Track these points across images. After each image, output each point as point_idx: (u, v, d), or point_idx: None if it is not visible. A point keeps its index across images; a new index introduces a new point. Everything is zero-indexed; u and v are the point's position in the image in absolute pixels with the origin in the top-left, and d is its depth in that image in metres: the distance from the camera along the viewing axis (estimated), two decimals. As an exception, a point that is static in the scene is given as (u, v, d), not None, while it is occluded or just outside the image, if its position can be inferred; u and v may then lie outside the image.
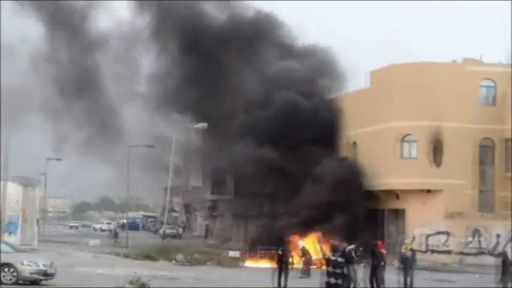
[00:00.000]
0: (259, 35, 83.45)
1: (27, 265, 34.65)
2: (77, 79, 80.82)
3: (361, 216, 64.11)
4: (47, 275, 35.06)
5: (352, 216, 62.91)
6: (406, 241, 45.44)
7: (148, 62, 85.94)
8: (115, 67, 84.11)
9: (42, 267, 34.83)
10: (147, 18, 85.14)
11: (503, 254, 37.09)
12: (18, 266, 34.28)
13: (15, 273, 33.97)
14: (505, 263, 34.93)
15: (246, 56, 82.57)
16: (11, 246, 40.04)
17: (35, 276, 34.38)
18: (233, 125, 70.88)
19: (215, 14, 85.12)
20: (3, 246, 37.33)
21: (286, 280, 36.58)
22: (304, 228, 57.26)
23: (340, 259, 24.60)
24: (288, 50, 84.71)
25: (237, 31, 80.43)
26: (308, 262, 47.60)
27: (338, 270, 24.18)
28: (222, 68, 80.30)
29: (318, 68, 78.80)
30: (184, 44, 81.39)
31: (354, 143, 70.44)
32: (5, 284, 33.32)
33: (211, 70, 79.24)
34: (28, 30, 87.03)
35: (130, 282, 14.33)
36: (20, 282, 33.84)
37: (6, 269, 34.13)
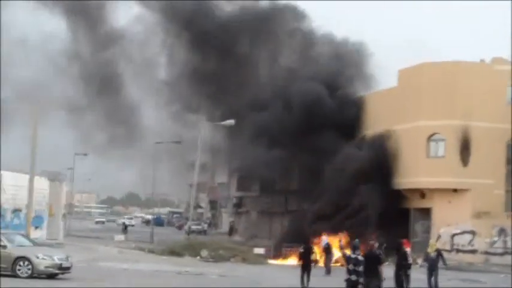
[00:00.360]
0: (275, 24, 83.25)
1: (42, 259, 34.98)
2: (98, 77, 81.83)
3: (390, 214, 63.61)
4: (62, 268, 35.52)
5: (379, 214, 63.07)
6: (431, 241, 45.28)
7: (163, 60, 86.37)
8: (132, 65, 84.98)
9: (57, 261, 35.29)
10: (157, 15, 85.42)
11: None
12: (34, 260, 34.67)
13: (30, 267, 34.44)
14: None
15: (262, 47, 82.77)
16: (29, 239, 40.37)
17: (50, 269, 34.81)
18: (255, 121, 70.39)
19: (226, 5, 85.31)
20: (20, 240, 38.06)
21: (308, 278, 36.51)
22: (328, 225, 57.34)
23: (360, 257, 26.00)
24: (310, 41, 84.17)
25: (250, 21, 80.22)
26: (330, 259, 47.32)
27: (359, 268, 24.50)
28: (237, 62, 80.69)
29: (345, 61, 78.97)
30: (197, 38, 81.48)
31: None
32: (20, 277, 33.88)
33: (226, 64, 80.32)
34: (49, 27, 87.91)
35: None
36: (36, 276, 34.17)
37: (21, 263, 34.67)
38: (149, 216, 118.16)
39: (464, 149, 63.85)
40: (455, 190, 63.55)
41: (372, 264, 28.09)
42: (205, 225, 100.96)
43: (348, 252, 28.33)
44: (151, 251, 60.61)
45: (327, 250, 46.57)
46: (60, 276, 35.49)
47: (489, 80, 64.33)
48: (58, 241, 57.64)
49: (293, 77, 74.91)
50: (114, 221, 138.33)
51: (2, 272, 33.59)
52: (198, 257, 56.36)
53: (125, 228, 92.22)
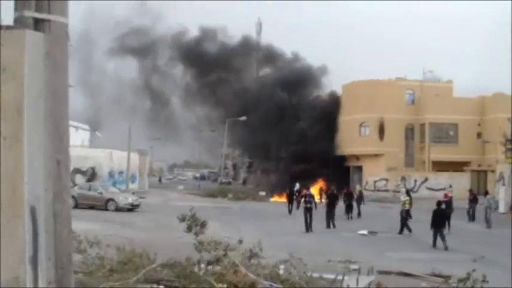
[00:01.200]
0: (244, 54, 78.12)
1: (122, 199, 36.62)
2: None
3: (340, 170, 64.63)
4: (134, 206, 36.79)
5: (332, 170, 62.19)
6: (357, 186, 46.86)
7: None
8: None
9: (130, 201, 36.83)
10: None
11: (408, 191, 34.94)
12: (117, 200, 36.37)
13: (115, 205, 35.91)
14: (408, 192, 33.38)
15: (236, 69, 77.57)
16: (118, 188, 42.46)
17: (127, 206, 35.98)
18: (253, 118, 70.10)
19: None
20: (112, 189, 39.98)
21: (291, 208, 39.68)
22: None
23: (311, 193, 31.34)
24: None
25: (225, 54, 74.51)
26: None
27: (311, 199, 29.87)
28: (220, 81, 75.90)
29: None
30: (195, 67, 75.83)
31: None
32: (109, 210, 34.97)
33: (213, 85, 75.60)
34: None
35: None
36: (119, 210, 35.23)
37: (110, 202, 36.11)
38: (197, 174, 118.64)
39: (381, 130, 65.93)
40: (376, 155, 65.18)
41: (333, 200, 31.91)
42: (230, 179, 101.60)
43: (305, 191, 32.83)
44: (198, 195, 60.35)
45: (299, 192, 46.60)
46: (142, 209, 36.72)
47: (395, 90, 66.65)
48: (145, 190, 59.56)
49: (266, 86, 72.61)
50: (175, 178, 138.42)
51: (98, 208, 35.09)
52: (226, 198, 56.35)
53: (159, 179, 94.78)
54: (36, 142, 3.09)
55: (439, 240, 22.65)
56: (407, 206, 28.34)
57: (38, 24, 3.22)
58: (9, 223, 3.08)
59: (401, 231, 27.18)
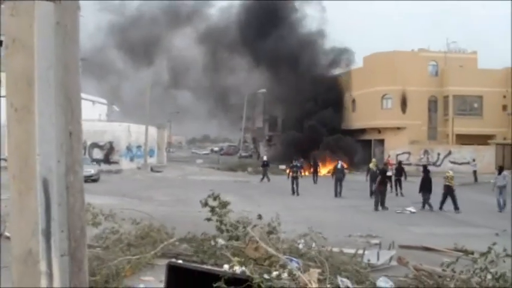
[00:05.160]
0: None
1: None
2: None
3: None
4: (92, 179, 36.10)
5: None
6: (373, 159, 45.20)
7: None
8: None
9: (88, 174, 35.10)
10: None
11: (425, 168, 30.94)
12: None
13: None
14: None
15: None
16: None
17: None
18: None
19: None
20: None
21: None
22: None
23: (297, 163, 35.84)
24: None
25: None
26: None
27: (298, 169, 35.30)
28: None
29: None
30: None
31: (353, 100, 71.36)
32: None
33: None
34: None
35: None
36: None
37: None
38: (216, 148, 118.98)
39: (403, 103, 65.39)
40: (398, 128, 64.53)
41: (341, 172, 33.20)
42: (250, 153, 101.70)
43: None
44: (218, 169, 60.92)
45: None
46: (159, 183, 37.43)
47: (417, 61, 65.75)
48: (163, 164, 59.92)
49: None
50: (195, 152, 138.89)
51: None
52: (246, 172, 57.07)
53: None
54: (48, 113, 3.10)
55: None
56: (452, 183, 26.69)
57: (48, -6, 3.28)
58: (21, 196, 3.11)
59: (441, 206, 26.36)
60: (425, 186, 27.02)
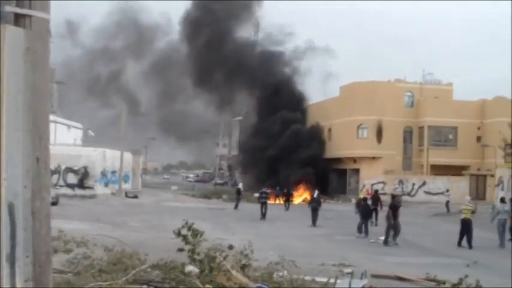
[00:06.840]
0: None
1: None
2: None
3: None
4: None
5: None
6: (362, 190, 44.93)
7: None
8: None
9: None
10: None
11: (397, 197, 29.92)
12: None
13: None
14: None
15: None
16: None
17: None
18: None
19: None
20: None
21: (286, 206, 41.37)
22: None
23: (266, 190, 37.92)
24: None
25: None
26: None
27: (266, 196, 36.67)
28: None
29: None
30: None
31: (329, 129, 71.32)
32: None
33: None
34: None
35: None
36: None
37: None
38: (192, 175, 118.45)
39: (379, 133, 65.69)
40: (373, 157, 65.27)
41: (317, 201, 33.36)
42: (225, 180, 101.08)
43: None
44: (193, 196, 60.79)
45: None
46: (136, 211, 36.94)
47: (393, 92, 66.77)
48: (138, 190, 59.20)
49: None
50: (169, 178, 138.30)
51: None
52: (221, 199, 57.19)
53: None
54: (15, 139, 3.11)
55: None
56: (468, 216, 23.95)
57: (18, 20, 3.23)
58: (-14, 220, 3.14)
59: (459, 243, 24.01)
60: (370, 212, 29.91)
